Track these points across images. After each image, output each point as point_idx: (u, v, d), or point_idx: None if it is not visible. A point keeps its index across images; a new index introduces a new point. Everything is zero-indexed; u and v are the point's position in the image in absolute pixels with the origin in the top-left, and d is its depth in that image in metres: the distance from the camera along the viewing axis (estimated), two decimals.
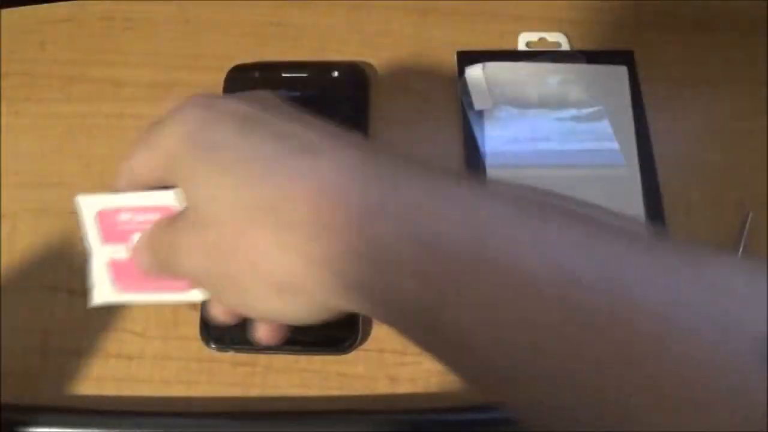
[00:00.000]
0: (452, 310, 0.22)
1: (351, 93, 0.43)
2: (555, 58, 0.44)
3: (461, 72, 0.44)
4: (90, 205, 0.31)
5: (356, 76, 0.44)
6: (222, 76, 0.44)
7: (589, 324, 0.20)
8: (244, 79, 0.44)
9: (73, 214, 0.42)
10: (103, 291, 0.32)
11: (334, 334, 0.38)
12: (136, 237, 0.31)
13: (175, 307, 0.40)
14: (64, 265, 0.41)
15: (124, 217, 0.31)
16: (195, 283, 0.29)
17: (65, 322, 0.40)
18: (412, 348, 0.39)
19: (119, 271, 0.31)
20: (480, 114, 0.43)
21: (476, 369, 0.23)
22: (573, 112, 0.43)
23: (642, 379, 0.19)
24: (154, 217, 0.30)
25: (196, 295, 0.31)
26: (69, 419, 0.37)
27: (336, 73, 0.44)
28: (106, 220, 0.31)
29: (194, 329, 0.39)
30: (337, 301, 0.24)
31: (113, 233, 0.31)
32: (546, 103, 0.43)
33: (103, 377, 0.39)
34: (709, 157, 0.43)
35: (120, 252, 0.31)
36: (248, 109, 0.27)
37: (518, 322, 0.21)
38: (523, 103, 0.43)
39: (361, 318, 0.39)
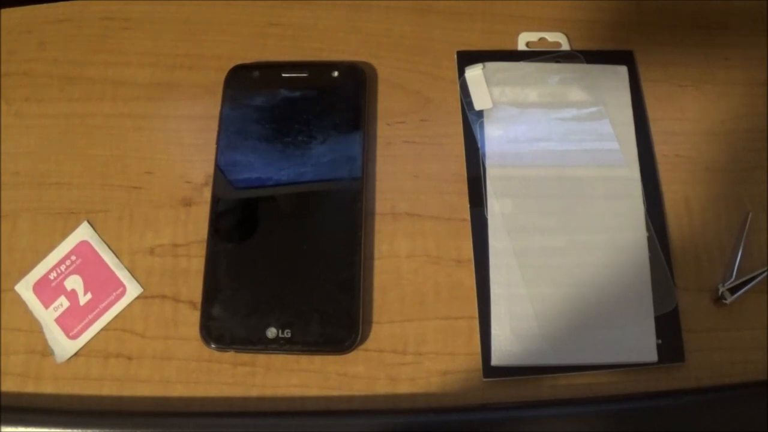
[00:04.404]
0: None
1: (351, 93, 0.43)
2: (555, 58, 0.44)
3: (461, 72, 0.44)
4: (25, 286, 0.40)
5: (356, 76, 0.44)
6: (222, 76, 0.44)
7: None
8: (244, 79, 0.44)
9: (73, 214, 0.42)
10: (62, 349, 0.39)
11: (334, 334, 0.38)
12: (70, 281, 0.40)
13: (175, 307, 0.40)
14: None
15: (52, 275, 0.40)
16: None
17: None
18: (412, 348, 0.39)
19: (66, 322, 0.39)
20: (480, 114, 0.43)
21: None
22: (573, 112, 0.43)
23: None
24: (77, 259, 0.40)
25: (133, 293, 0.40)
26: (69, 419, 0.37)
27: (336, 73, 0.44)
28: (41, 288, 0.40)
29: (194, 329, 0.39)
30: None
31: (50, 294, 0.40)
32: (546, 103, 0.43)
33: (103, 377, 0.39)
34: (709, 157, 0.43)
35: (61, 305, 0.40)
36: None
37: None
38: (523, 103, 0.43)
39: (361, 318, 0.39)
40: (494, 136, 0.43)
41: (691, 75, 0.45)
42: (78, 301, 0.40)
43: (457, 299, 0.40)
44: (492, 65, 0.44)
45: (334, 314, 0.38)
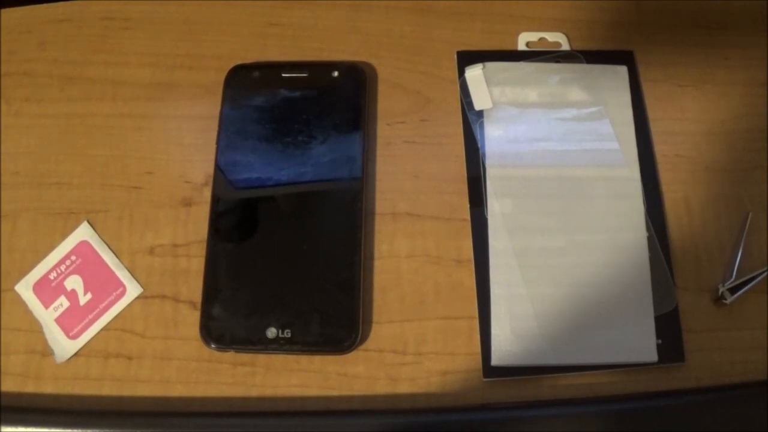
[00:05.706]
0: None
1: (351, 93, 0.43)
2: (555, 58, 0.44)
3: (461, 72, 0.44)
4: (25, 286, 0.40)
5: (356, 76, 0.44)
6: (222, 76, 0.44)
7: None
8: (244, 79, 0.44)
9: (73, 214, 0.42)
10: (62, 349, 0.39)
11: (334, 334, 0.38)
12: (70, 281, 0.40)
13: (175, 307, 0.40)
14: None
15: (52, 275, 0.40)
16: None
17: None
18: (412, 348, 0.39)
19: (66, 322, 0.39)
20: (480, 114, 0.43)
21: None
22: (573, 112, 0.43)
23: None
24: (77, 259, 0.40)
25: (133, 293, 0.40)
26: (69, 419, 0.37)
27: (336, 73, 0.44)
28: (41, 288, 0.40)
29: (194, 329, 0.39)
30: None
31: (50, 294, 0.40)
32: (546, 103, 0.43)
33: (103, 377, 0.39)
34: (709, 157, 0.43)
35: (61, 305, 0.40)
36: None
37: None
38: (523, 103, 0.43)
39: (361, 318, 0.39)
40: (494, 136, 0.43)
41: (691, 75, 0.45)
42: (78, 301, 0.40)
43: (457, 299, 0.40)
44: (492, 65, 0.44)
45: (334, 314, 0.38)
